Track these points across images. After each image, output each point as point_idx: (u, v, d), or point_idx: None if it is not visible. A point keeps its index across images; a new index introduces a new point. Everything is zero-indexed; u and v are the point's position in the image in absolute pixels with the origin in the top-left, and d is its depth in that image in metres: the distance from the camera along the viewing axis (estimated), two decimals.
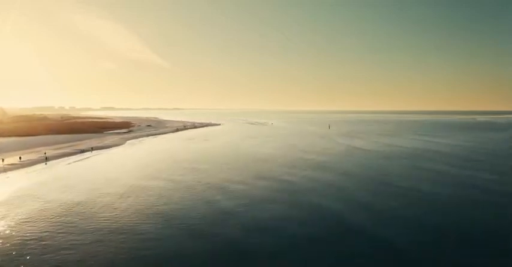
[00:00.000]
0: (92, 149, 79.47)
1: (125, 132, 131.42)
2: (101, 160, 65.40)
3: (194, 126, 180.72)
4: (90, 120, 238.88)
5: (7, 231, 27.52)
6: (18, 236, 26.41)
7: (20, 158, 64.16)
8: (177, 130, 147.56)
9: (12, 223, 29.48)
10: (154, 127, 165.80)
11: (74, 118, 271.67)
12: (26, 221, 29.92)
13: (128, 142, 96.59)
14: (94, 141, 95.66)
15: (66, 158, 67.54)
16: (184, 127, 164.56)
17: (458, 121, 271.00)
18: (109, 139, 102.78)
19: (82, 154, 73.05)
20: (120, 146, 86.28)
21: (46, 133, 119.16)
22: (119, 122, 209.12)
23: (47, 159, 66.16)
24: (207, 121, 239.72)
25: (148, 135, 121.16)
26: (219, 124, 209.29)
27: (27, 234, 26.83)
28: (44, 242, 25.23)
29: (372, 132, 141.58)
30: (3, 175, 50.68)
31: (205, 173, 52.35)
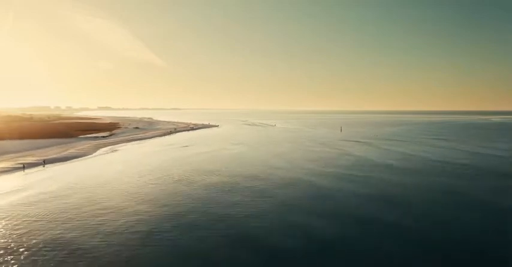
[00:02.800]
0: (45, 162, 60.82)
1: (104, 136, 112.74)
2: (26, 183, 46.28)
3: (189, 128, 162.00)
4: (75, 121, 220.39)
5: None
6: None
7: None
8: (165, 134, 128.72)
9: None
10: (142, 130, 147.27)
11: (61, 118, 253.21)
12: None
13: (99, 150, 77.88)
14: (58, 149, 77.06)
15: None
16: (175, 129, 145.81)
17: (476, 122, 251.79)
18: (79, 146, 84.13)
19: (25, 170, 54.49)
20: (84, 157, 67.51)
21: (10, 137, 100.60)
22: (106, 123, 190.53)
23: None
24: (205, 123, 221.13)
25: (129, 140, 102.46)
26: (217, 126, 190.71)
27: None
28: None
29: (392, 137, 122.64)
30: None
31: (130, 217, 33.44)
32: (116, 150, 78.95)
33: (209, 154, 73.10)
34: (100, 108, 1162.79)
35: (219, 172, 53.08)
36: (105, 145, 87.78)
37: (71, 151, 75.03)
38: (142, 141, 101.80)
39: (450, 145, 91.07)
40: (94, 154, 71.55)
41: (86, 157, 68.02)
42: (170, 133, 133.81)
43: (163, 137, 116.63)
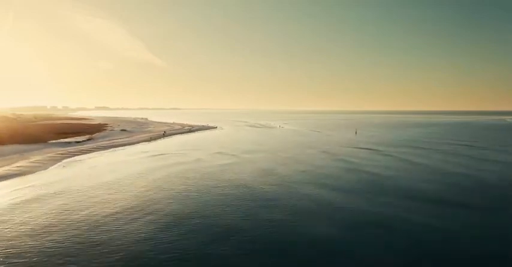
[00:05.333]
0: None
1: (79, 141, 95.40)
2: None
3: (183, 131, 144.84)
4: (62, 121, 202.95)
5: None
6: None
7: None
8: (153, 138, 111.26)
9: None
10: (129, 132, 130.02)
11: (48, 119, 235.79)
12: None
13: (58, 163, 60.70)
14: (4, 162, 59.89)
15: None
16: (165, 132, 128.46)
17: (494, 124, 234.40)
18: (37, 156, 67.04)
19: None
20: (28, 175, 50.14)
21: None
22: (92, 125, 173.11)
23: None
24: (203, 124, 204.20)
25: (106, 147, 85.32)
26: (215, 128, 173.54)
27: None
28: None
29: (416, 144, 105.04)
30: None
31: None
32: (79, 162, 61.65)
33: (188, 170, 55.46)
34: (97, 108, 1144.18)
35: (180, 209, 35.18)
36: (72, 155, 70.57)
37: (20, 164, 57.74)
38: (122, 148, 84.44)
39: (494, 157, 72.85)
40: (46, 170, 54.19)
41: (31, 174, 50.51)
42: (159, 137, 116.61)
43: (148, 143, 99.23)
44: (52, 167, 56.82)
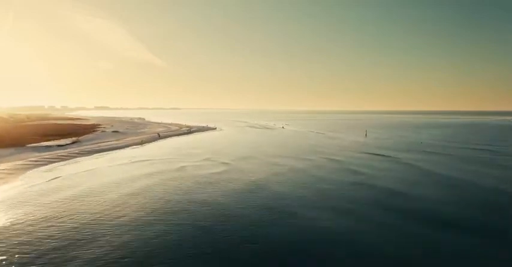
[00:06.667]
0: None
1: (61, 145, 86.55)
2: None
3: (180, 132, 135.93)
4: (53, 122, 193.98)
5: None
6: None
7: None
8: (144, 141, 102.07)
9: None
10: (121, 134, 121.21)
11: (41, 119, 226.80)
12: None
13: (26, 172, 51.87)
14: None
15: None
16: (159, 135, 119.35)
17: (507, 124, 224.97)
18: (7, 164, 58.24)
19: None
20: None
21: None
22: (85, 125, 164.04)
23: None
24: (202, 124, 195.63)
25: (91, 152, 76.48)
26: (214, 128, 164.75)
27: None
28: None
29: (437, 149, 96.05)
30: None
31: None
32: (48, 172, 52.54)
33: (165, 181, 46.45)
34: (97, 108, 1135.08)
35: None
36: (47, 162, 61.62)
37: None
38: (106, 153, 75.35)
39: None
40: (5, 183, 45.20)
41: None
42: (153, 139, 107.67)
43: (138, 146, 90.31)
44: (16, 178, 47.88)
